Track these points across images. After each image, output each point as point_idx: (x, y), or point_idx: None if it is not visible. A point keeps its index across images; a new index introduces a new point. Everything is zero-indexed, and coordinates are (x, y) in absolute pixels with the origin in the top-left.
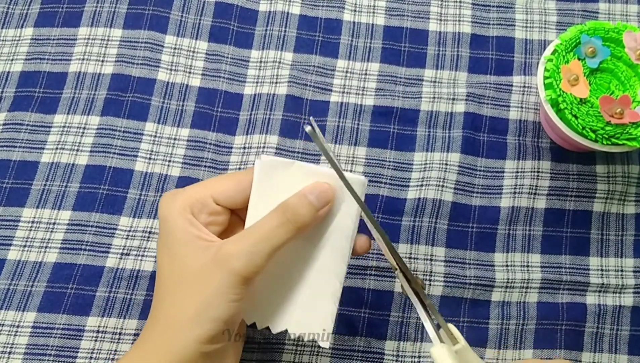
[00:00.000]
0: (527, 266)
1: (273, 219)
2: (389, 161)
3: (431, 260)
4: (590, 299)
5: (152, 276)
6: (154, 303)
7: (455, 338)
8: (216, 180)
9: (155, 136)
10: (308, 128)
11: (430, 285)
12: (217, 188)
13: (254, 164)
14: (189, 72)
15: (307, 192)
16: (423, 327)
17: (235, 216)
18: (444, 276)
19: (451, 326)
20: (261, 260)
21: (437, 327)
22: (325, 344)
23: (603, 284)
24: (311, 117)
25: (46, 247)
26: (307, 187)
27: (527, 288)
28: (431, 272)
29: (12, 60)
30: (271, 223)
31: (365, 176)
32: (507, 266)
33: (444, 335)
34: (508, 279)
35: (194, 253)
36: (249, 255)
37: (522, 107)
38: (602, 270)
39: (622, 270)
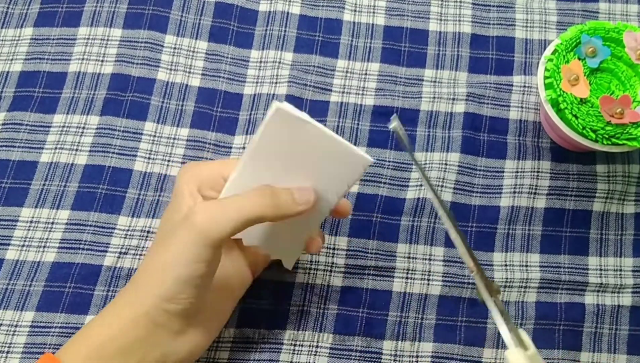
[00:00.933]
0: (526, 266)
1: (253, 194)
2: (389, 161)
3: (430, 259)
4: (589, 299)
5: None
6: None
7: (525, 345)
8: (230, 161)
9: (155, 136)
10: (394, 124)
11: (428, 284)
12: (230, 169)
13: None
14: (189, 72)
15: (294, 189)
16: (421, 326)
17: None
18: (443, 276)
19: (522, 331)
20: (229, 227)
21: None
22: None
23: (602, 284)
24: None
25: (44, 247)
26: (295, 187)
27: (525, 287)
28: (430, 272)
29: (11, 60)
30: (250, 197)
31: (365, 175)
32: (506, 265)
33: (514, 341)
34: (507, 279)
35: (174, 216)
36: (217, 218)
37: (522, 107)
38: (601, 270)
39: (621, 270)
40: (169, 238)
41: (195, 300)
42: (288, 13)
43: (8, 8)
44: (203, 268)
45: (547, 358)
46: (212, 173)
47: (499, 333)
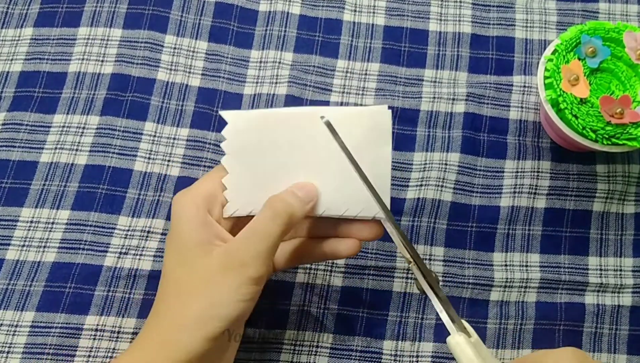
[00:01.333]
0: (526, 266)
1: (264, 214)
2: None
3: (430, 259)
4: (589, 299)
5: (151, 275)
6: (157, 303)
7: (468, 333)
8: (214, 175)
9: (155, 136)
10: (326, 119)
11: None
12: (218, 181)
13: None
14: (189, 72)
15: (295, 189)
16: (421, 326)
17: None
18: (443, 276)
19: (464, 321)
20: (266, 259)
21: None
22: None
23: (602, 284)
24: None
25: (44, 247)
26: (294, 185)
27: (525, 287)
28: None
29: (11, 60)
30: (263, 219)
31: None
32: (506, 265)
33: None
34: (507, 279)
35: (204, 257)
36: (257, 259)
37: (522, 107)
38: (601, 270)
39: (621, 270)
40: (210, 283)
41: (237, 332)
42: (288, 13)
43: (8, 8)
44: (251, 304)
45: None
46: (212, 190)
47: (499, 333)
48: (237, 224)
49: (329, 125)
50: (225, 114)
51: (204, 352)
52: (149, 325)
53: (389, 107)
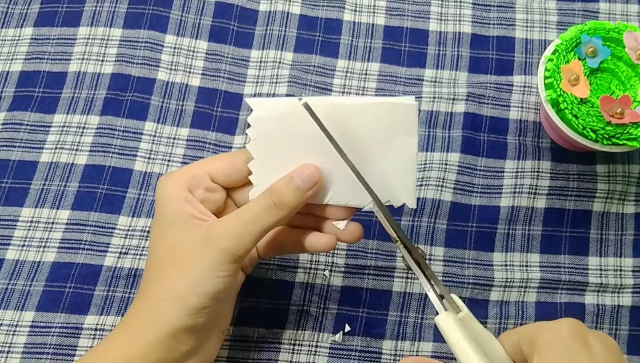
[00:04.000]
0: (526, 265)
1: (261, 202)
2: None
3: (430, 259)
4: (589, 299)
5: None
6: (142, 282)
7: (458, 307)
8: (211, 158)
9: (155, 136)
10: (304, 100)
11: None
12: (213, 165)
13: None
14: (189, 72)
15: (295, 175)
16: (421, 325)
17: (230, 199)
18: (443, 276)
19: (454, 295)
20: (249, 241)
21: (440, 298)
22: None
23: (602, 284)
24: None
25: (45, 246)
26: (295, 170)
27: (525, 287)
28: None
29: (11, 60)
30: (260, 206)
31: None
32: (506, 265)
33: (447, 305)
34: (507, 279)
35: (185, 232)
36: (238, 235)
37: (522, 107)
38: (601, 270)
39: (621, 270)
40: (190, 258)
41: (217, 312)
42: (288, 13)
43: (8, 8)
44: (230, 281)
45: None
46: (197, 172)
47: (499, 333)
48: (220, 214)
49: (307, 107)
50: (250, 101)
51: (184, 327)
52: (133, 306)
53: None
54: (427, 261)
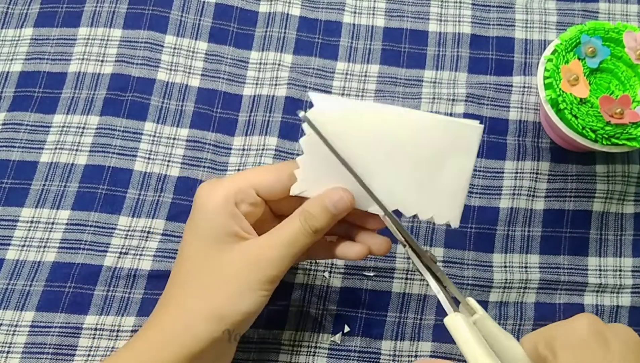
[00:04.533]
0: (526, 266)
1: (298, 225)
2: None
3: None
4: (588, 299)
5: (150, 275)
6: (170, 290)
7: (472, 309)
8: (257, 171)
9: (155, 136)
10: (302, 113)
11: (427, 285)
12: (259, 179)
13: (255, 164)
14: (189, 73)
15: (327, 198)
16: (420, 326)
17: (267, 208)
18: None
19: (470, 299)
20: (289, 262)
21: (455, 300)
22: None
23: (601, 284)
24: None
25: (45, 247)
26: (327, 193)
27: (525, 288)
28: None
29: (11, 60)
30: (297, 229)
31: None
32: (505, 267)
33: (462, 307)
34: (506, 280)
35: (229, 251)
36: (280, 260)
37: (522, 107)
38: (600, 270)
39: (620, 270)
40: (232, 279)
41: (247, 328)
42: (288, 15)
43: (8, 8)
44: (267, 298)
45: None
46: (243, 186)
47: None
48: (258, 224)
49: (307, 120)
50: (313, 96)
51: (219, 339)
52: (163, 314)
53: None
54: (437, 264)
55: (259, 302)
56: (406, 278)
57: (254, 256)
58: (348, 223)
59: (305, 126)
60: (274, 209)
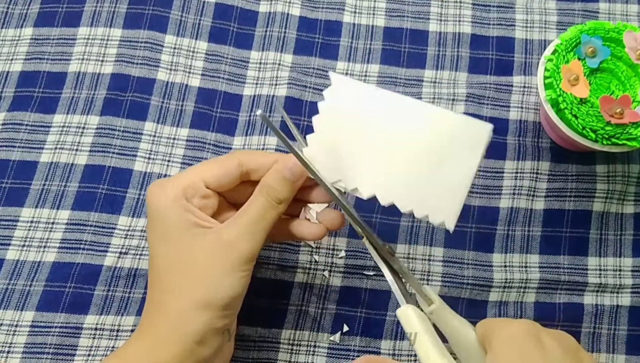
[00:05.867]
0: (526, 266)
1: (262, 199)
2: None
3: (429, 260)
4: (588, 299)
5: None
6: (151, 294)
7: (430, 300)
8: (204, 164)
9: (155, 136)
10: (259, 112)
11: (427, 284)
12: (206, 172)
13: None
14: (189, 72)
15: (281, 167)
16: None
17: (222, 199)
18: (442, 276)
19: (426, 287)
20: (262, 238)
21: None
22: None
23: (601, 284)
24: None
25: (45, 247)
26: (279, 163)
27: (525, 288)
28: (429, 272)
29: (11, 60)
30: (262, 204)
31: None
32: (505, 266)
33: (419, 298)
34: (506, 279)
35: (196, 240)
36: (251, 236)
37: (522, 107)
38: (600, 270)
39: (620, 270)
40: (208, 267)
41: (237, 310)
42: (288, 14)
43: (8, 8)
44: (249, 279)
45: None
46: (192, 180)
47: None
48: (215, 216)
49: (264, 118)
50: (333, 75)
51: (211, 330)
52: (149, 319)
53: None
54: (396, 256)
55: (240, 284)
56: None
57: (225, 240)
58: (300, 201)
59: (320, 105)
60: (230, 199)
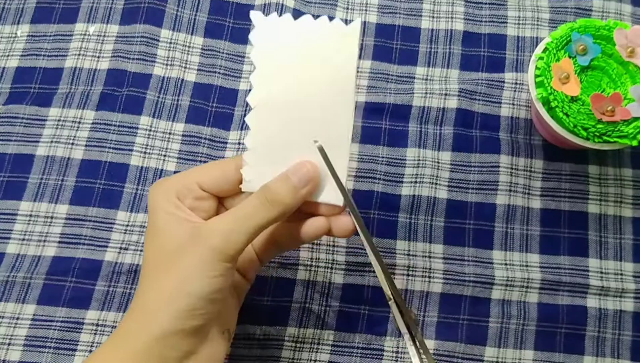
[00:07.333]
0: (526, 265)
1: (254, 199)
2: (382, 157)
3: (430, 256)
4: (591, 302)
5: None
6: (137, 288)
7: None
8: (202, 167)
9: (150, 131)
10: (318, 144)
11: (429, 281)
12: (203, 175)
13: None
14: (185, 67)
15: (290, 173)
16: (423, 323)
17: (223, 208)
18: (443, 273)
19: None
20: (241, 239)
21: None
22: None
23: (603, 287)
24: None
25: (45, 241)
26: (290, 168)
27: (527, 287)
28: (430, 269)
29: (8, 56)
30: (252, 204)
31: (359, 172)
32: (505, 264)
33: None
34: (508, 277)
35: (175, 233)
36: (228, 232)
37: (514, 104)
38: (601, 273)
39: (621, 274)
40: (178, 257)
41: (211, 315)
42: (283, 5)
43: (4, 4)
44: (221, 282)
45: (549, 362)
46: (186, 181)
47: (501, 333)
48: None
49: (321, 150)
50: (254, 15)
51: (177, 331)
52: (125, 316)
53: (382, 104)
54: (417, 326)
55: (210, 284)
56: (408, 275)
57: (202, 232)
58: (306, 213)
59: (252, 54)
60: (229, 206)
